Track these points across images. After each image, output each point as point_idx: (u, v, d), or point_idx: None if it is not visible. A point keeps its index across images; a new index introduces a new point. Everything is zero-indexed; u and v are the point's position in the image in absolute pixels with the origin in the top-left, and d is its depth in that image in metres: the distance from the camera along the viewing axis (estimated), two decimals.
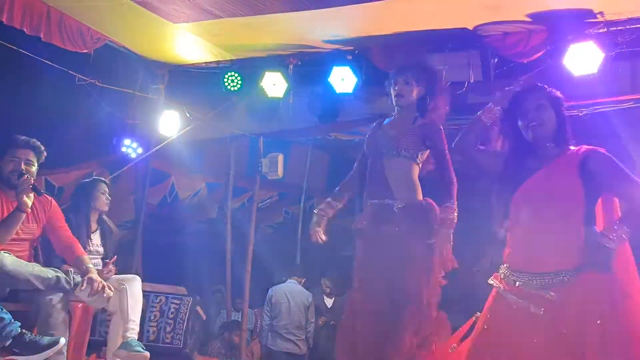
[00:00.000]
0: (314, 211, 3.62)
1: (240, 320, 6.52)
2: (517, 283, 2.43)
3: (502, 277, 2.52)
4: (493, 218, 2.64)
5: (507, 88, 2.76)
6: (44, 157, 3.48)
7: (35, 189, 3.29)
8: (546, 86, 2.64)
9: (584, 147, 2.51)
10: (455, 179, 3.23)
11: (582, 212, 2.40)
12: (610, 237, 2.31)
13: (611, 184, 2.43)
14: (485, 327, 2.52)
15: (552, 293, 2.34)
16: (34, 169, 3.39)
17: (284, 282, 6.86)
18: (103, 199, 4.12)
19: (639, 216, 2.37)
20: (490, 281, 2.56)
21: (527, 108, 2.55)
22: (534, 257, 2.43)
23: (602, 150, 2.49)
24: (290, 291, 6.67)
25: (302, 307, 6.59)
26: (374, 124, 3.53)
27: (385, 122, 3.46)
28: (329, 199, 3.61)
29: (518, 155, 2.62)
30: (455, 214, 3.17)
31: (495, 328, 2.47)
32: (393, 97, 3.31)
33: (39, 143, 3.43)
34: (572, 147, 2.53)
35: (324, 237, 3.48)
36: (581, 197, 2.40)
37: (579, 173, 2.43)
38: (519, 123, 2.58)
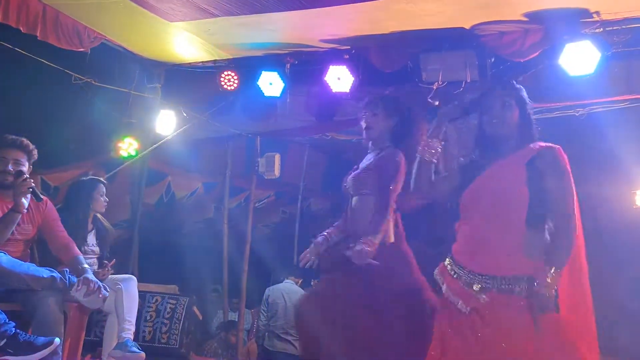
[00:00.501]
0: (312, 240, 3.39)
1: (236, 320, 6.51)
2: (455, 276, 2.39)
3: (447, 268, 2.47)
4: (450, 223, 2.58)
5: (455, 103, 2.73)
6: (35, 156, 3.43)
7: (34, 193, 3.27)
8: (514, 82, 2.62)
9: (540, 144, 2.45)
10: (387, 216, 3.04)
11: (524, 213, 2.32)
12: (544, 284, 2.20)
13: (547, 190, 2.33)
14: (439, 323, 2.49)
15: (484, 296, 2.29)
16: (25, 168, 3.35)
17: (281, 282, 6.85)
18: (101, 201, 4.09)
19: (564, 247, 2.27)
20: (435, 273, 2.53)
21: (492, 104, 2.51)
22: (477, 256, 2.37)
23: (556, 148, 2.41)
24: (287, 291, 6.65)
25: None
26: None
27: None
28: (325, 233, 3.37)
29: (479, 150, 2.58)
30: (368, 248, 2.91)
31: (442, 325, 2.44)
32: (363, 131, 3.23)
33: (27, 142, 3.37)
34: (531, 145, 2.46)
35: (313, 261, 3.29)
36: (525, 197, 2.33)
37: (525, 171, 2.37)
38: (483, 117, 2.54)
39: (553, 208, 2.30)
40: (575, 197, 2.36)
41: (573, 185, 2.35)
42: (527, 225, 2.31)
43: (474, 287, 2.31)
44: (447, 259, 2.48)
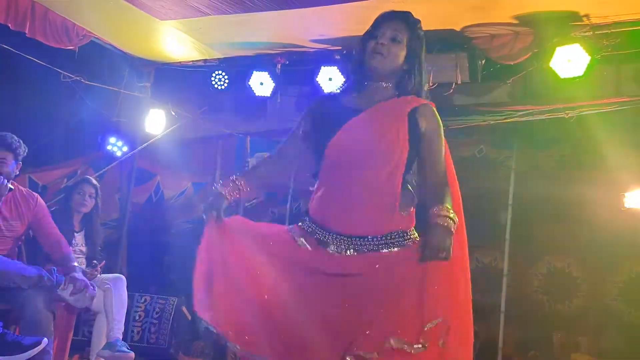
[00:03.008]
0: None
1: None
2: (331, 247, 2.04)
3: (308, 231, 2.10)
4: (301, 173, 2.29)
5: None
6: (23, 153, 3.34)
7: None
8: (417, 20, 2.21)
9: (416, 98, 2.14)
10: None
11: (403, 168, 2.06)
12: (448, 215, 1.91)
13: (424, 148, 2.09)
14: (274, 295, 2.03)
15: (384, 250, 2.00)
16: (9, 168, 3.27)
17: None
18: (78, 199, 4.00)
19: (445, 194, 2.02)
20: (290, 229, 2.16)
21: (383, 32, 2.14)
22: (352, 217, 2.05)
23: (433, 105, 2.15)
24: None
25: None
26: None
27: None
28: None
29: (344, 93, 2.23)
30: None
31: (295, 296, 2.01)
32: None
33: (12, 139, 3.28)
34: (408, 97, 2.15)
35: None
36: (405, 150, 2.06)
37: (407, 122, 2.07)
38: (368, 44, 2.14)
39: (428, 168, 2.08)
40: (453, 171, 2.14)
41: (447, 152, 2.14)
42: (403, 183, 2.06)
43: (349, 252, 2.02)
44: (302, 221, 2.15)
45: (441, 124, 2.13)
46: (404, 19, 2.20)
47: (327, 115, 2.18)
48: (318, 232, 2.09)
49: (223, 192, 2.19)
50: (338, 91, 2.30)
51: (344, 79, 4.55)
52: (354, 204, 2.06)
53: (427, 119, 2.10)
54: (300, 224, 2.17)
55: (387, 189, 2.05)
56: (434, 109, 2.14)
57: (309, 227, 2.12)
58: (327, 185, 2.11)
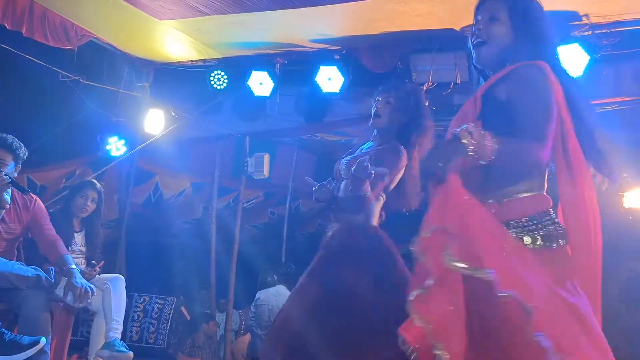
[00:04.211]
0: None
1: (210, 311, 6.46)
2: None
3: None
4: None
5: None
6: (23, 155, 3.33)
7: (17, 186, 3.21)
8: None
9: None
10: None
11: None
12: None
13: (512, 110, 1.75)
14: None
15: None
16: (9, 168, 3.26)
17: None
18: (80, 203, 3.97)
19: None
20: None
21: (478, 20, 1.91)
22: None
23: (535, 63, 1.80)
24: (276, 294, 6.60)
25: None
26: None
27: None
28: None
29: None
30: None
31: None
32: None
33: (12, 140, 3.27)
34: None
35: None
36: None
37: (481, 102, 1.82)
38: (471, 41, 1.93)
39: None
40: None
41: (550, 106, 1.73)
42: None
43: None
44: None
45: (530, 80, 1.78)
46: None
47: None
48: None
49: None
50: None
51: (343, 79, 4.62)
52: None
53: (511, 82, 1.82)
54: None
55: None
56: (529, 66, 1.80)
57: None
58: None
